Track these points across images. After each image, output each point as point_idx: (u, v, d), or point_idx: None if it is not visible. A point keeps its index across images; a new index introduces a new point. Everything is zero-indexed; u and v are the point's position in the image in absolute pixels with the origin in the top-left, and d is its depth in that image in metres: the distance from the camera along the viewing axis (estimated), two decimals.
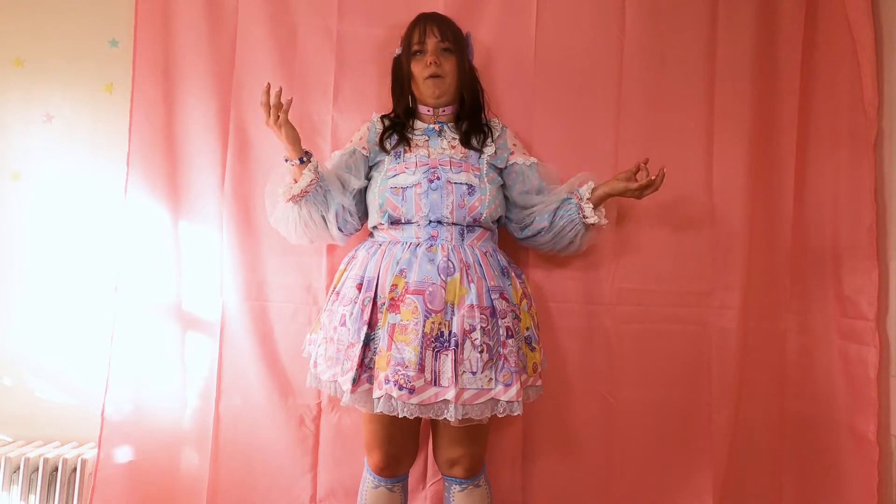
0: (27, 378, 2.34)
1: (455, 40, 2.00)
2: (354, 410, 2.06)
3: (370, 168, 2.02)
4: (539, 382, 1.94)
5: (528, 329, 1.92)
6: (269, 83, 1.83)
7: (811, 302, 2.32)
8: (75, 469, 2.19)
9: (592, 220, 1.98)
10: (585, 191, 1.98)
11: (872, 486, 2.20)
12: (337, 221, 1.96)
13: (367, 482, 1.96)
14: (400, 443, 1.93)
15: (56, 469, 2.18)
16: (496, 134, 2.05)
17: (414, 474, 2.14)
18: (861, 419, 2.23)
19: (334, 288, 1.97)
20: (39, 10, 2.35)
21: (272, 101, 1.82)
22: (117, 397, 2.20)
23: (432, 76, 1.97)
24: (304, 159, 1.87)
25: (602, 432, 2.25)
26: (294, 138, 1.86)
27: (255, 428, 2.22)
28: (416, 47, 1.99)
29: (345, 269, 1.98)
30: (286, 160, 1.89)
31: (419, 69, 1.98)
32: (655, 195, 2.24)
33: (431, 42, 1.97)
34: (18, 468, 2.17)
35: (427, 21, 2.00)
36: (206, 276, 2.24)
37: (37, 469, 2.16)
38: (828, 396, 2.29)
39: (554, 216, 2.00)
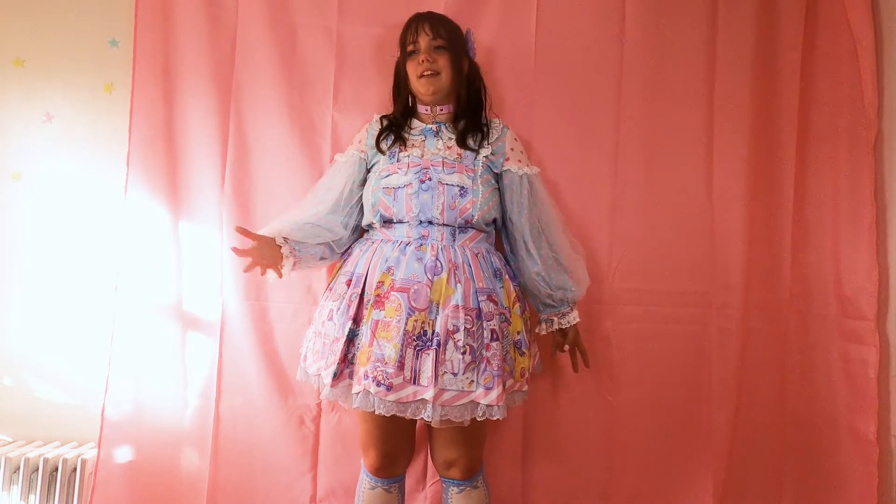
0: (27, 378, 2.34)
1: (449, 37, 1.98)
2: (354, 410, 2.06)
3: (368, 170, 2.02)
4: (525, 388, 1.93)
5: (518, 333, 1.91)
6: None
7: (811, 302, 2.32)
8: (75, 469, 2.19)
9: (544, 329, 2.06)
10: (557, 323, 2.03)
11: (872, 486, 2.20)
12: (328, 255, 1.96)
13: (364, 483, 1.96)
14: (395, 443, 1.93)
15: (56, 469, 2.18)
16: (495, 136, 2.01)
17: (413, 475, 2.14)
18: (861, 419, 2.23)
19: (329, 284, 1.99)
20: (39, 11, 2.35)
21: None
22: (117, 397, 2.20)
23: (425, 74, 1.96)
24: (279, 243, 1.83)
25: (602, 432, 2.25)
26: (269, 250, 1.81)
27: (255, 428, 2.22)
28: (410, 48, 1.99)
29: (340, 266, 1.99)
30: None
31: (413, 68, 1.98)
32: (658, 193, 2.25)
33: (424, 41, 1.96)
34: (18, 468, 2.17)
35: (419, 20, 1.99)
36: (206, 276, 2.24)
37: (37, 469, 2.16)
38: (828, 396, 2.29)
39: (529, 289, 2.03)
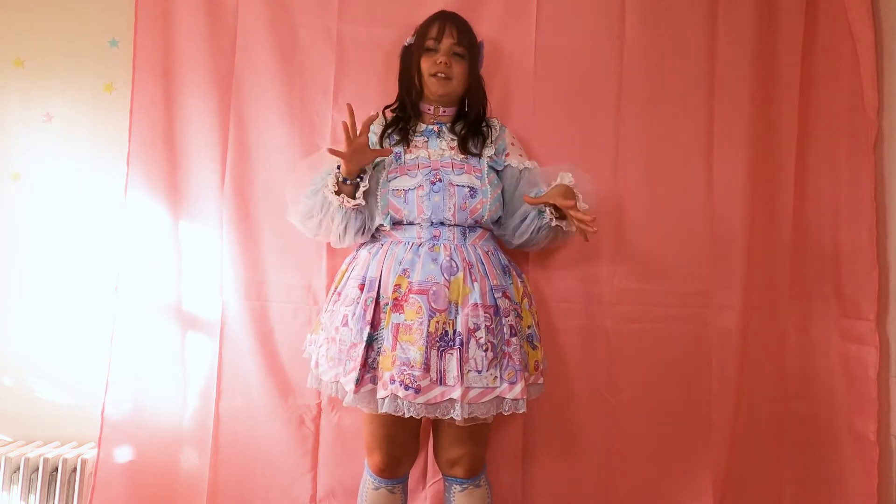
0: (27, 378, 2.34)
1: (469, 47, 2.00)
2: (354, 410, 2.06)
3: (373, 167, 2.02)
4: (541, 380, 1.94)
5: (529, 328, 1.93)
6: (374, 115, 1.85)
7: (811, 302, 2.32)
8: (75, 469, 2.19)
9: (556, 223, 1.91)
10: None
11: (872, 486, 2.21)
12: (356, 233, 1.96)
13: (368, 483, 1.96)
14: (400, 443, 1.92)
15: (56, 469, 2.18)
16: (495, 134, 2.03)
17: (414, 474, 2.14)
18: (861, 419, 2.23)
19: (335, 288, 1.98)
20: (39, 10, 2.35)
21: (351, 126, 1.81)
22: (117, 397, 2.20)
23: (438, 75, 1.95)
24: (360, 179, 1.88)
25: (602, 432, 2.25)
26: (364, 166, 1.87)
27: (255, 428, 2.22)
28: (429, 43, 1.98)
29: (346, 270, 1.98)
30: (344, 177, 1.87)
31: (428, 65, 1.97)
32: (658, 193, 2.26)
33: (447, 43, 1.96)
34: (18, 468, 2.17)
35: (447, 20, 1.99)
36: (206, 276, 2.24)
37: (37, 469, 2.16)
38: (828, 396, 2.29)
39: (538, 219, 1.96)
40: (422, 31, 2.00)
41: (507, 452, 2.23)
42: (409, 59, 2.03)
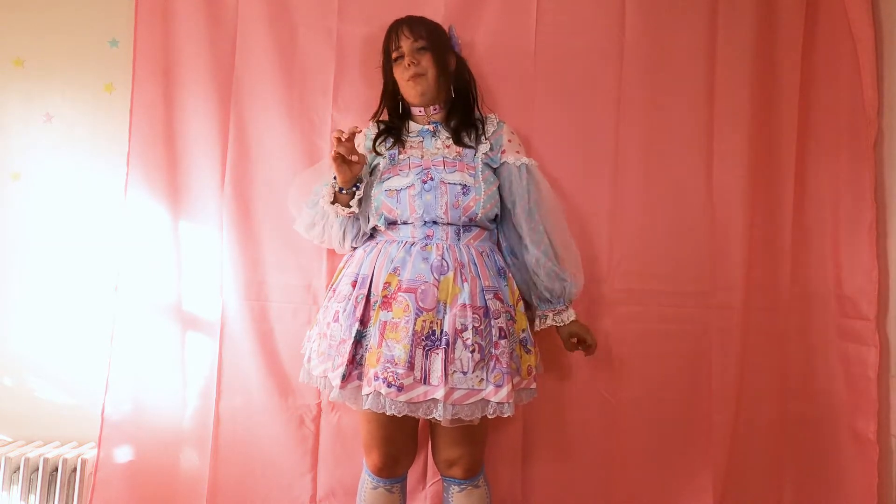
0: (27, 378, 2.34)
1: (430, 37, 1.98)
2: (354, 410, 2.06)
3: (369, 173, 2.02)
4: (533, 385, 1.93)
5: (523, 331, 1.92)
6: (356, 127, 1.85)
7: (811, 302, 2.32)
8: (75, 469, 2.19)
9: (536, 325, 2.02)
10: (552, 319, 2.01)
11: (872, 486, 2.21)
12: (354, 239, 2.00)
13: (366, 483, 1.96)
14: (398, 443, 1.92)
15: (56, 469, 2.18)
16: (491, 130, 2.02)
17: (413, 474, 2.15)
18: (861, 419, 2.23)
19: (332, 285, 1.99)
20: (39, 10, 2.36)
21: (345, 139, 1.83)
22: (117, 397, 2.20)
23: (413, 76, 1.96)
24: (356, 188, 1.92)
25: (602, 432, 2.25)
26: (356, 175, 1.89)
27: (255, 428, 2.22)
28: (394, 54, 1.99)
29: (343, 267, 1.99)
30: (340, 187, 1.90)
31: (400, 73, 1.98)
32: (658, 193, 2.26)
33: (406, 44, 1.97)
34: (18, 468, 2.17)
35: (398, 25, 2.00)
36: (206, 276, 2.24)
37: (37, 469, 2.16)
38: (828, 396, 2.29)
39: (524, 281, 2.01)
40: (384, 48, 2.02)
41: (507, 453, 2.23)
42: (387, 79, 2.04)
